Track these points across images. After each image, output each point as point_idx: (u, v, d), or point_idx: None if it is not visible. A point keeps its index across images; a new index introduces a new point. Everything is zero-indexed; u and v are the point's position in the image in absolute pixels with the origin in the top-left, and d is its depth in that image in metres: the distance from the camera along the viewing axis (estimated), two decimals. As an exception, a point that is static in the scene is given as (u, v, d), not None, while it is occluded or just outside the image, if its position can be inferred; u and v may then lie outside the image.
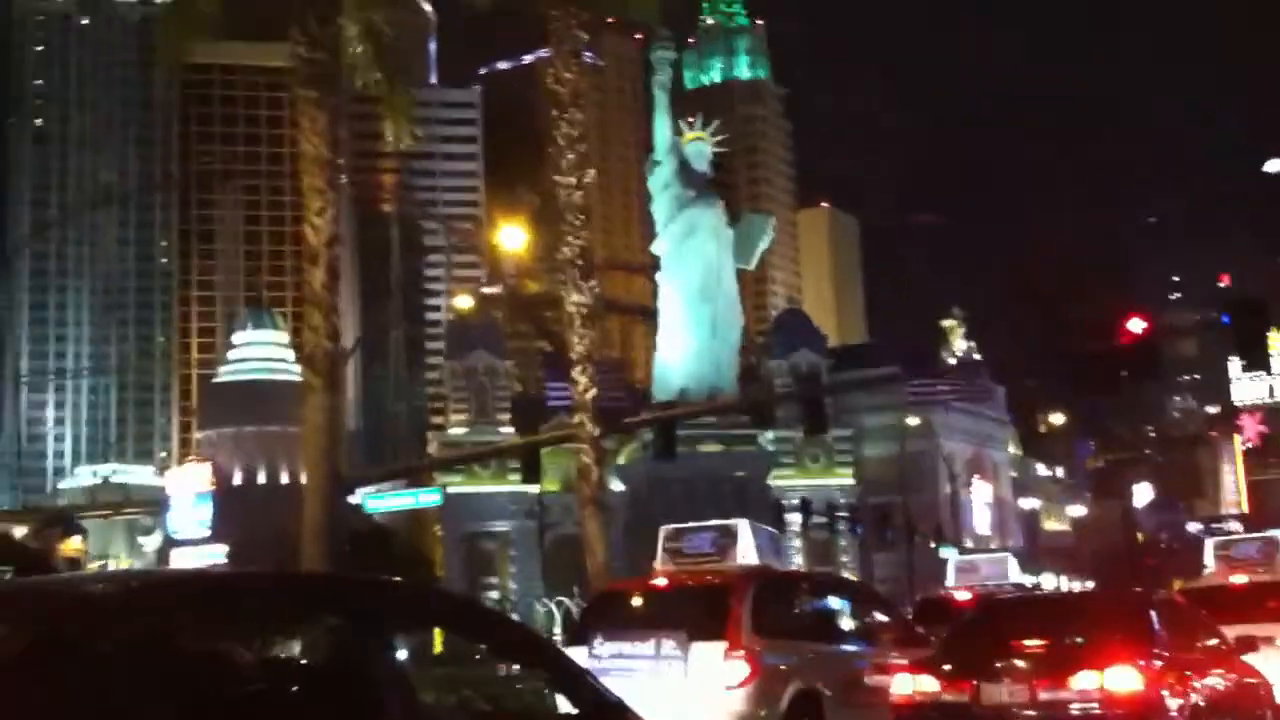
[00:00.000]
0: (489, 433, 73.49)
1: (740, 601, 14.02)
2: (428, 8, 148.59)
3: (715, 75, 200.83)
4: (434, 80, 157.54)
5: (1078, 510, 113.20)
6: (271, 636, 4.59)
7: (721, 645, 13.26)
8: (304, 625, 4.58)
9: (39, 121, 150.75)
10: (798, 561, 62.33)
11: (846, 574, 57.60)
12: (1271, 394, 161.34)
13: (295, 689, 4.41)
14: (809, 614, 15.89)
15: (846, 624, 16.16)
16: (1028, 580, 42.99)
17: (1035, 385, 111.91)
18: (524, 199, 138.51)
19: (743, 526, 17.27)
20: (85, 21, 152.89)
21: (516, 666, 5.73)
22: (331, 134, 20.32)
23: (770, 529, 31.50)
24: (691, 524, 17.38)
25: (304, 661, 4.60)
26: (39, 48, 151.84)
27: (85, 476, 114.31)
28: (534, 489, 58.99)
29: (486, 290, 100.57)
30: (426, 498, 58.61)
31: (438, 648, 8.68)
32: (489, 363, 76.25)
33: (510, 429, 74.54)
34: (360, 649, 4.42)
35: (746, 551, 16.34)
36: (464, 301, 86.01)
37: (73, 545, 68.26)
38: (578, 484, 27.32)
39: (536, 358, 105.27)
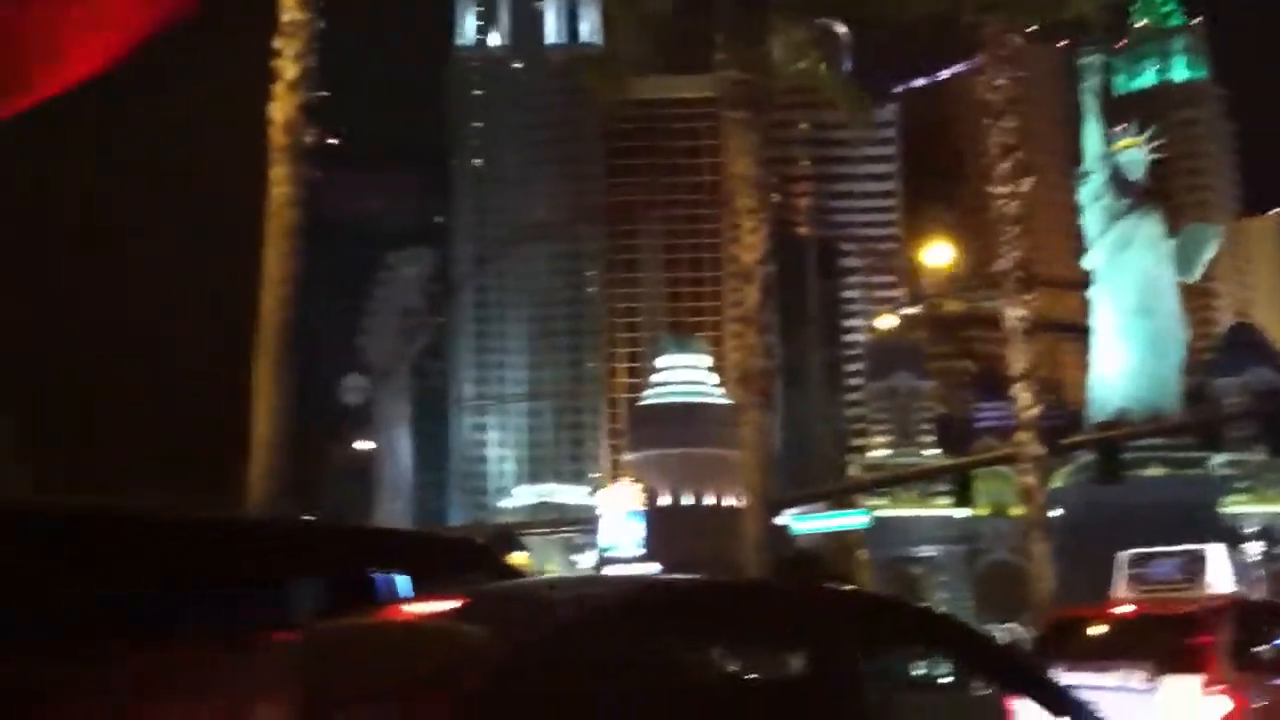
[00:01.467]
0: (912, 455, 72.30)
1: (1218, 632, 12.95)
2: (841, 29, 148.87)
3: (1148, 79, 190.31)
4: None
5: None
6: (758, 644, 4.49)
7: (1198, 679, 12.31)
8: (787, 634, 4.45)
9: (477, 161, 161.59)
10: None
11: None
12: None
13: (779, 699, 4.30)
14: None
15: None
16: None
17: None
18: (941, 217, 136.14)
19: (1215, 552, 15.93)
20: (517, 65, 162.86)
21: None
22: (761, 154, 20.58)
23: (1242, 556, 29.08)
24: (1156, 549, 16.18)
25: (787, 671, 4.47)
26: (476, 92, 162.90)
27: (525, 495, 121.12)
28: (961, 513, 57.57)
29: (906, 311, 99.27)
30: (853, 520, 58.24)
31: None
32: (911, 384, 75.14)
33: (934, 451, 73.03)
34: (841, 662, 4.27)
35: (1218, 579, 15.12)
36: (885, 322, 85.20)
37: (518, 559, 72.33)
38: (1025, 507, 26.25)
39: (960, 378, 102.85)
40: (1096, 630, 14.87)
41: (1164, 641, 13.10)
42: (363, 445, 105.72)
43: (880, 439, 76.57)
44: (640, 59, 23.64)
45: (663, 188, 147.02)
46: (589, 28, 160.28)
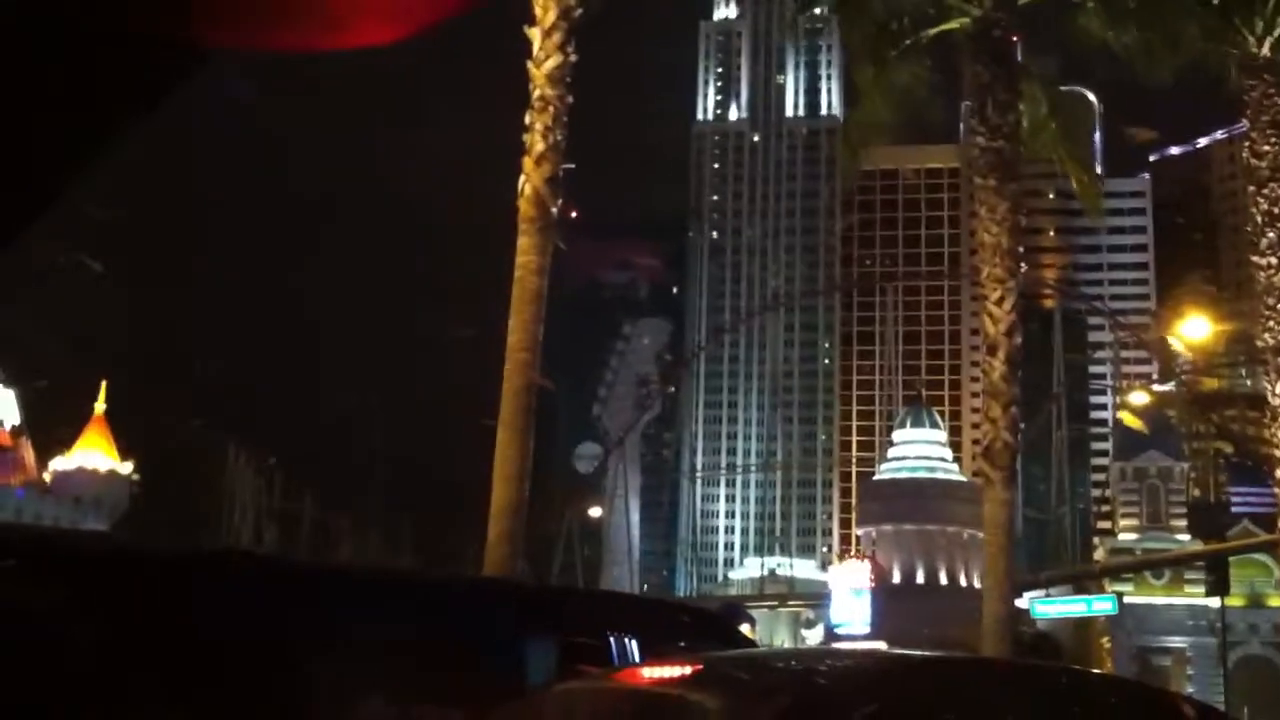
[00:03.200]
0: (1162, 539, 69.06)
1: None
2: (1092, 97, 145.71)
3: None
4: (1100, 171, 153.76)
5: None
6: None
7: None
8: (1037, 716, 4.25)
9: (715, 234, 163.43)
10: None
11: None
12: None
13: None
14: None
15: None
16: None
17: None
18: (1198, 289, 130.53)
19: None
20: (756, 139, 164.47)
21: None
22: (1012, 222, 20.38)
23: None
24: None
25: None
26: (715, 165, 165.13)
27: (753, 567, 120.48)
28: (1214, 602, 54.62)
29: (1158, 387, 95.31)
30: (1099, 605, 55.93)
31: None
32: (1162, 464, 71.91)
33: (1185, 536, 69.67)
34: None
35: None
36: (1139, 399, 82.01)
37: (744, 631, 71.90)
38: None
39: (1216, 460, 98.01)
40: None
41: None
42: (594, 512, 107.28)
43: (1128, 521, 73.37)
44: (886, 128, 23.75)
45: (904, 259, 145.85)
46: (829, 100, 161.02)
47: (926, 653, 4.83)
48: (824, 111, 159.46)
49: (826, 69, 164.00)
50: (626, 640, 6.33)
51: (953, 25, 21.61)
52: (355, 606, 5.96)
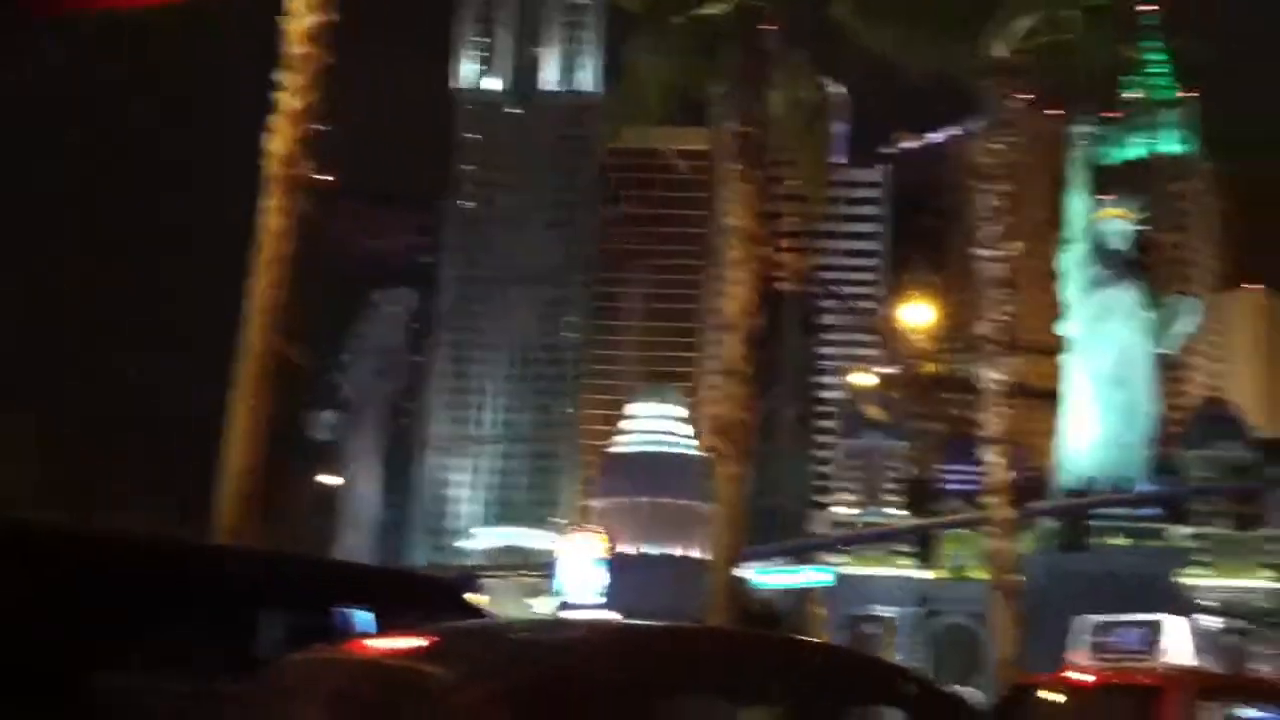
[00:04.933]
0: (878, 514, 72.40)
1: (1176, 706, 12.99)
2: (840, 89, 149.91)
3: (1138, 151, 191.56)
4: (845, 161, 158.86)
5: None
6: (741, 694, 4.47)
7: (1154, 749, 12.38)
8: (765, 685, 4.45)
9: (467, 203, 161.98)
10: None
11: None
12: None
13: None
14: (1247, 723, 14.45)
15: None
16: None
17: None
18: (925, 278, 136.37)
19: (1176, 623, 15.99)
20: (515, 111, 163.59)
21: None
22: (756, 206, 20.94)
23: (1207, 628, 29.03)
24: (1117, 617, 16.23)
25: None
26: (473, 134, 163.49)
27: (489, 538, 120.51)
28: (924, 574, 57.66)
29: (882, 370, 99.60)
30: (817, 576, 58.26)
31: None
32: (882, 443, 75.31)
33: (901, 512, 73.16)
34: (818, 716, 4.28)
35: (1178, 650, 15.15)
36: (861, 380, 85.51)
37: (476, 600, 71.91)
38: (989, 570, 26.34)
39: (932, 440, 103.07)
40: (1056, 698, 14.88)
41: (1122, 712, 13.12)
42: (331, 480, 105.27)
43: (848, 497, 76.56)
44: (646, 107, 24.03)
45: (652, 238, 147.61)
46: (587, 76, 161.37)
47: (656, 623, 5.00)
48: (584, 87, 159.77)
49: (586, 44, 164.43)
50: (358, 611, 6.24)
51: (713, 9, 22.02)
52: (53, 570, 5.67)
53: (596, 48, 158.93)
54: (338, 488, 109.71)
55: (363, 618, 6.17)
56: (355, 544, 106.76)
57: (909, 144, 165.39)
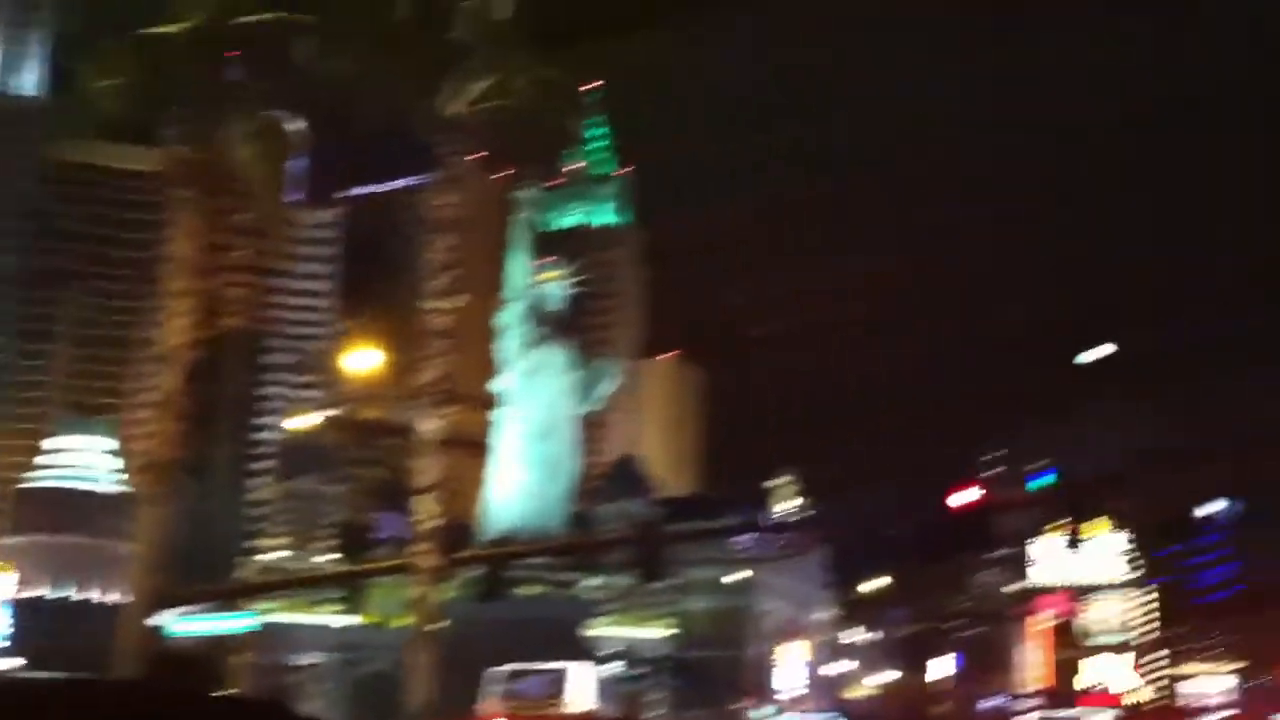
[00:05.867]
0: (310, 559, 71.64)
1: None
2: (301, 125, 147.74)
3: (577, 217, 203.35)
4: (303, 197, 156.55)
5: (887, 676, 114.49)
6: None
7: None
8: None
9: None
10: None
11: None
12: (1078, 574, 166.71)
13: None
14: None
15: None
16: None
17: (860, 549, 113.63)
18: (373, 324, 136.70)
19: (581, 671, 17.15)
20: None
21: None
22: (202, 236, 20.45)
23: (606, 675, 31.10)
24: (525, 665, 17.14)
25: None
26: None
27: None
28: (352, 620, 57.51)
29: (326, 413, 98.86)
30: (242, 623, 56.47)
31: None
32: (316, 487, 74.68)
33: (332, 556, 72.73)
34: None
35: (581, 696, 16.26)
36: (302, 421, 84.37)
37: None
38: (413, 617, 26.79)
39: (369, 486, 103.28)
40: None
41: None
42: None
43: (281, 540, 75.18)
44: (95, 122, 22.86)
45: (93, 259, 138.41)
46: (31, 80, 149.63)
47: (52, 675, 4.83)
48: (26, 91, 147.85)
49: (32, 45, 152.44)
50: None
51: (171, 29, 21.33)
52: None
53: (43, 49, 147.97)
54: None
55: None
56: None
57: (366, 189, 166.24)
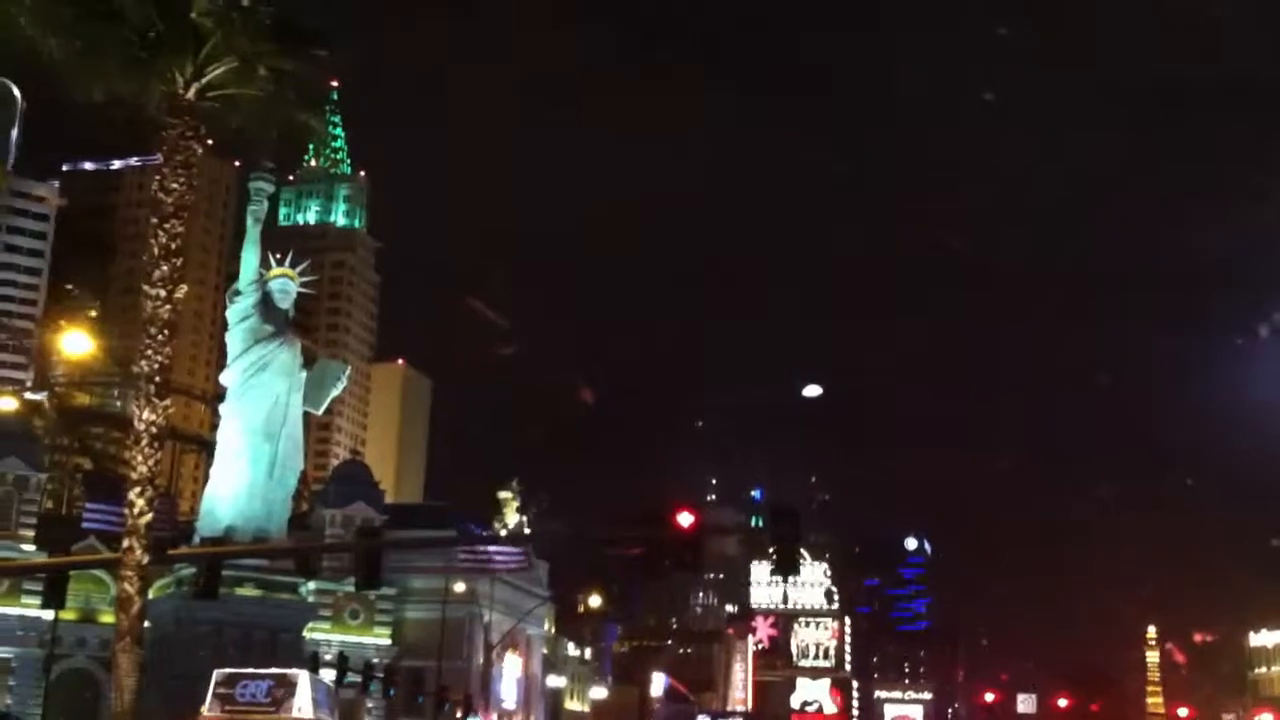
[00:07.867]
0: (10, 549, 67.81)
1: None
2: (16, 92, 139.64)
3: (311, 217, 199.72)
4: (10, 168, 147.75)
5: (600, 692, 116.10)
6: None
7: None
8: None
9: None
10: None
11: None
12: (785, 600, 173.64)
13: None
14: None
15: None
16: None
17: (578, 565, 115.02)
18: (88, 305, 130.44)
19: (302, 678, 16.75)
20: None
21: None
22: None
23: (326, 682, 30.55)
24: (248, 670, 16.58)
25: None
26: None
27: None
28: (49, 614, 54.63)
29: (29, 396, 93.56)
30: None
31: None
32: (19, 473, 70.70)
33: (32, 547, 69.10)
34: None
35: (303, 704, 15.97)
36: (4, 404, 79.57)
37: None
38: (119, 614, 25.67)
39: (75, 474, 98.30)
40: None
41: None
42: None
43: (-25, 526, 70.68)
44: None
45: None
46: None
47: None
48: None
49: None
50: None
51: None
52: None
53: None
54: None
55: None
56: None
57: (87, 164, 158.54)
